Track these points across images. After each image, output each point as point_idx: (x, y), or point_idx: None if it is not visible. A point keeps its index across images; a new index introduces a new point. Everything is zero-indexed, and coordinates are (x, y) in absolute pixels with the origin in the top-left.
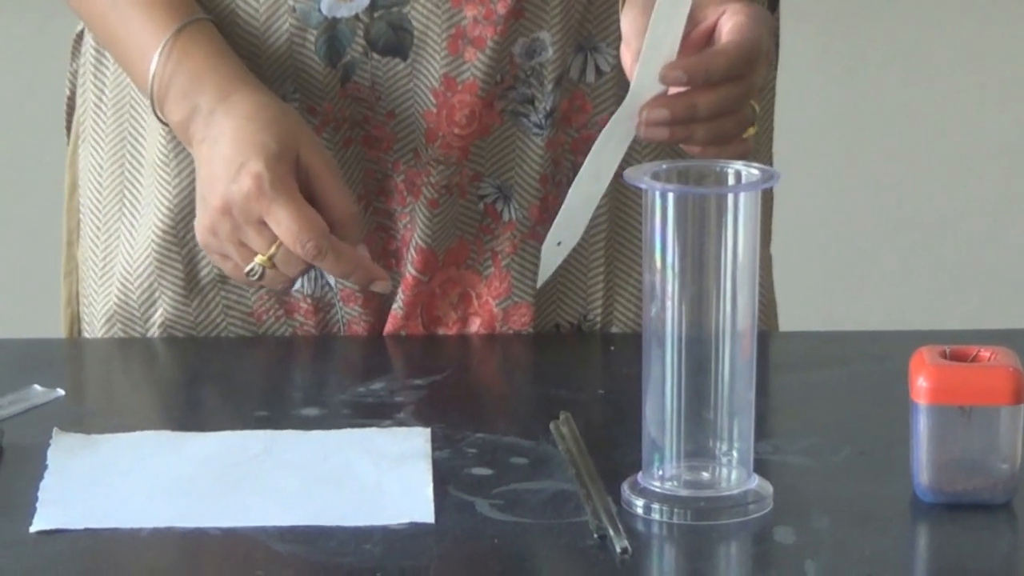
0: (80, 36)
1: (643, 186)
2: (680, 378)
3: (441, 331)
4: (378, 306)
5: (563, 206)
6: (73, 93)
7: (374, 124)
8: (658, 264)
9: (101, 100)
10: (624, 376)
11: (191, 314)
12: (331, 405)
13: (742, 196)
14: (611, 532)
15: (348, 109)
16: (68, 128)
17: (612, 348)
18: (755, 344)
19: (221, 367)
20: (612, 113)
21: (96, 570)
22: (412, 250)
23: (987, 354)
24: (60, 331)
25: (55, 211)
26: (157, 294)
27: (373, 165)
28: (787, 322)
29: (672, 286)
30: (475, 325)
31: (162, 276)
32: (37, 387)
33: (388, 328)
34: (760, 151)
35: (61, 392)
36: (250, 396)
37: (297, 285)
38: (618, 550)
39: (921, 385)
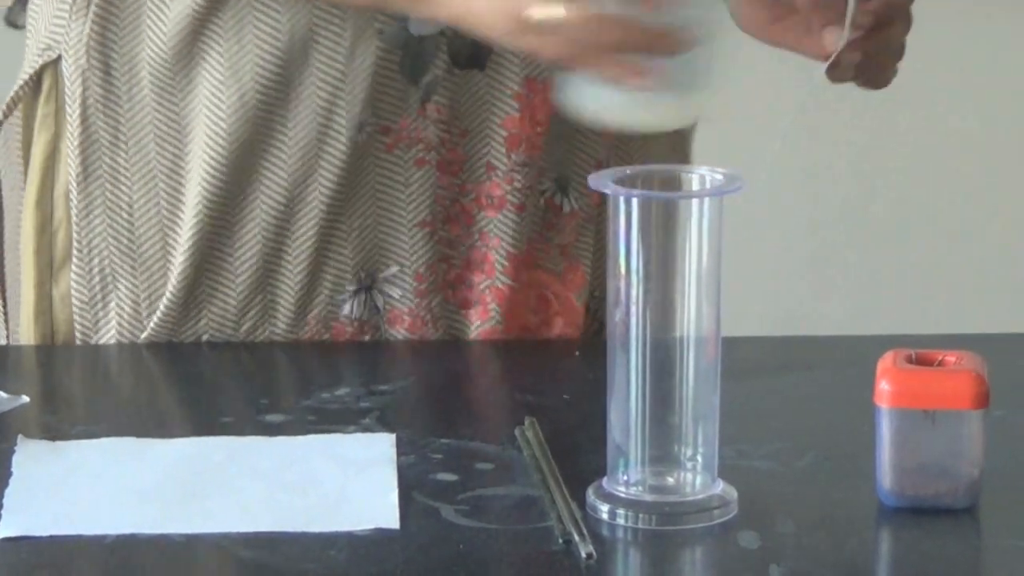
0: (41, 69)
1: (607, 191)
2: (645, 383)
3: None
4: (421, 330)
5: None
6: (4, 119)
7: (448, 147)
8: (622, 269)
9: (117, 137)
10: (589, 381)
11: (238, 332)
12: (296, 411)
13: (706, 201)
14: (576, 537)
15: (424, 131)
16: None
17: (577, 353)
18: (719, 349)
19: (186, 374)
20: None
21: None
22: (503, 259)
23: (953, 358)
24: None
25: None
26: (203, 310)
27: (443, 191)
28: (754, 325)
29: (636, 291)
30: (558, 326)
31: (212, 298)
32: (2, 394)
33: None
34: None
35: (26, 399)
36: (215, 402)
37: (345, 311)
38: (583, 555)
39: (884, 389)
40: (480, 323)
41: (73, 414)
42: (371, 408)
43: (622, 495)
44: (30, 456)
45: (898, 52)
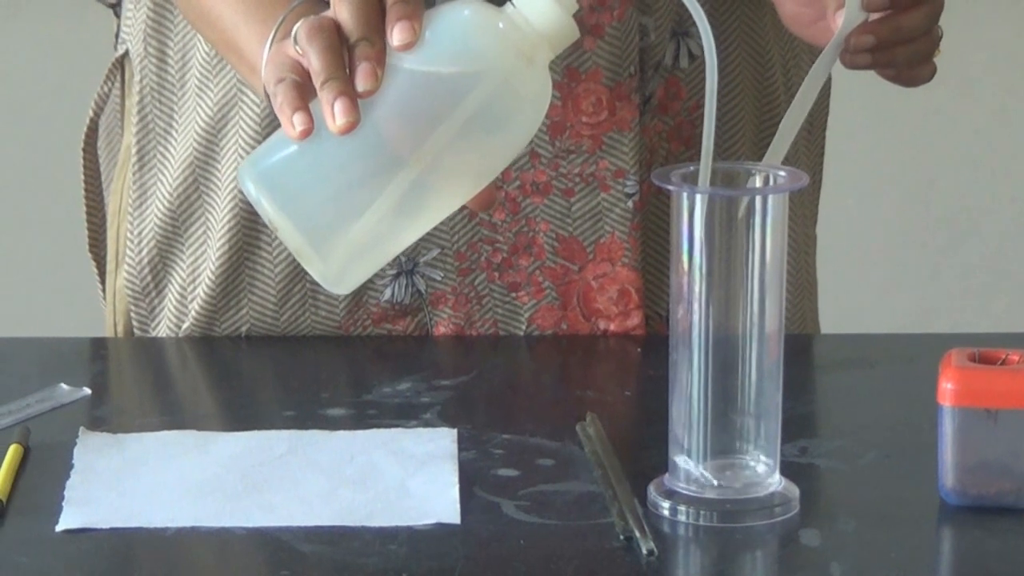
0: (121, 61)
1: (671, 188)
2: (707, 380)
3: (603, 323)
4: (466, 308)
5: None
6: (97, 116)
7: None
8: (685, 266)
9: (170, 127)
10: (650, 377)
11: (279, 320)
12: (357, 405)
13: (770, 198)
14: (637, 534)
15: None
16: (88, 146)
17: (638, 349)
18: (782, 346)
19: (247, 366)
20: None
21: (121, 569)
22: (554, 240)
23: (1016, 357)
24: (86, 330)
25: (79, 211)
26: (244, 298)
27: None
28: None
29: (699, 288)
30: (637, 318)
31: (252, 285)
32: (63, 386)
33: (550, 323)
34: (814, 134)
35: (87, 391)
36: (276, 396)
37: (387, 295)
38: (644, 552)
39: (946, 387)
40: (535, 302)
41: (134, 406)
42: (432, 403)
43: (683, 492)
44: (91, 448)
45: (925, 44)
